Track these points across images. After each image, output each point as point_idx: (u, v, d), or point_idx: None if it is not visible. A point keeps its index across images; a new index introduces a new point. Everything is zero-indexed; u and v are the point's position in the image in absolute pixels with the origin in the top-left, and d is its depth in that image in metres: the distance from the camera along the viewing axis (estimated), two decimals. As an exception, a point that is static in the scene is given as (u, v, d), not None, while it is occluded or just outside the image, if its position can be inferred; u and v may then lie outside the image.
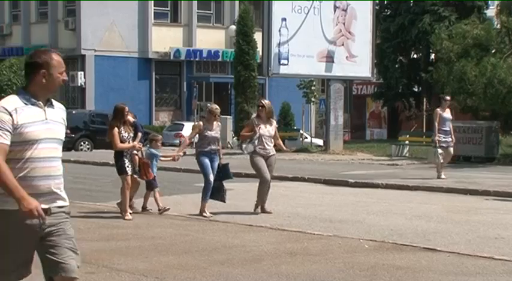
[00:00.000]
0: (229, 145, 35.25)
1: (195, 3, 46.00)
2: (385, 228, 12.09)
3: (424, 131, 34.90)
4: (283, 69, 30.05)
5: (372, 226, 12.27)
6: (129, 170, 13.11)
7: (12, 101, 5.01)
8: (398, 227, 12.20)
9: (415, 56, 45.56)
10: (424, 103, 39.01)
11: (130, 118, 13.63)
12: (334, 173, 21.57)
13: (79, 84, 43.62)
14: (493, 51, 29.09)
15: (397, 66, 44.23)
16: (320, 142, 36.01)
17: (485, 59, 27.24)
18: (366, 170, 22.76)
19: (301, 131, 35.22)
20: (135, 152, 13.44)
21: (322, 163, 25.97)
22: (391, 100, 44.20)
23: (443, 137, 19.60)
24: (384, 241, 10.64)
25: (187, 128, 39.51)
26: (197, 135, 13.86)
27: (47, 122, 5.06)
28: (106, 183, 19.73)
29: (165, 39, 44.99)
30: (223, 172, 13.65)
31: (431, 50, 39.72)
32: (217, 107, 14.02)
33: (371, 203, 15.62)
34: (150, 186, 13.80)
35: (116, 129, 13.02)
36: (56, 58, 5.18)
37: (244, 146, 13.84)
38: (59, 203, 5.12)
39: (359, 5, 31.51)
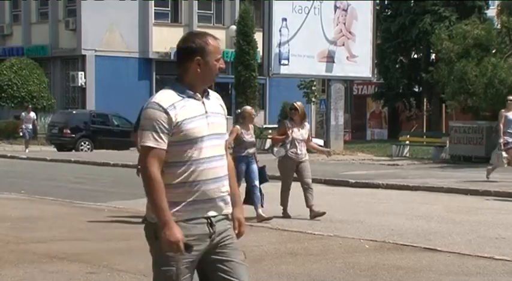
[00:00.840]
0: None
1: (195, 3, 45.99)
2: (386, 228, 12.09)
3: (425, 131, 34.92)
4: (283, 70, 30.05)
5: (372, 226, 12.27)
6: None
7: (168, 95, 4.34)
8: (399, 227, 12.19)
9: (415, 56, 45.55)
10: (425, 103, 39.05)
11: None
12: (335, 173, 21.56)
13: (79, 85, 43.63)
14: (493, 51, 29.09)
15: (397, 66, 44.23)
16: (320, 142, 35.95)
17: (486, 59, 27.24)
18: (367, 170, 22.76)
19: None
20: None
21: (323, 163, 25.94)
22: (391, 100, 44.19)
23: (509, 140, 18.04)
24: (384, 241, 10.64)
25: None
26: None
27: (208, 116, 4.38)
28: (106, 183, 19.73)
29: (166, 39, 44.94)
30: (260, 175, 13.29)
31: (431, 50, 39.70)
32: (252, 109, 13.68)
33: (371, 203, 15.62)
34: None
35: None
36: (213, 43, 4.48)
37: (275, 149, 13.47)
38: (227, 209, 4.49)
39: (359, 5, 31.51)
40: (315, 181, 20.65)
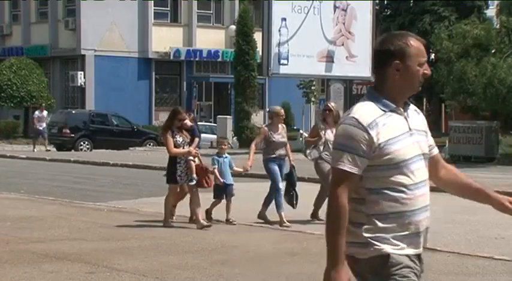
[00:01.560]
0: (229, 145, 35.22)
1: (195, 3, 45.98)
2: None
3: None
4: (283, 69, 30.03)
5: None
6: (180, 179, 11.98)
7: (368, 110, 3.67)
8: (398, 227, 12.18)
9: (415, 56, 45.53)
10: (424, 103, 39.04)
11: (187, 122, 12.60)
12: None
13: (79, 84, 43.62)
14: (493, 51, 29.08)
15: (397, 66, 44.21)
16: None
17: (485, 59, 27.24)
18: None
19: (301, 131, 35.17)
20: (190, 158, 12.06)
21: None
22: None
23: None
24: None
25: (187, 128, 39.53)
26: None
27: (412, 134, 3.72)
28: (106, 183, 19.73)
29: (165, 39, 44.97)
30: (288, 175, 13.02)
31: (431, 50, 39.67)
32: (282, 109, 13.26)
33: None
34: (223, 195, 12.67)
35: (170, 132, 11.99)
36: (415, 44, 3.91)
37: (308, 151, 12.99)
38: (424, 243, 3.99)
39: (359, 5, 31.50)
40: (314, 180, 20.69)
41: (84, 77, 43.61)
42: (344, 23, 31.14)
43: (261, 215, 12.68)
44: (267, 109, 13.20)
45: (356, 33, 31.28)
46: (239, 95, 36.52)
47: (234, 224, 12.16)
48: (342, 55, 31.04)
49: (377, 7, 38.88)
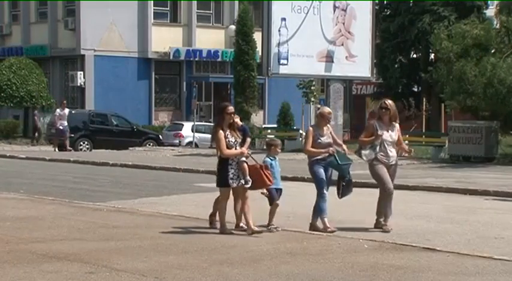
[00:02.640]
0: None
1: (194, 3, 45.99)
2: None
3: (424, 131, 34.91)
4: (282, 69, 30.02)
5: (371, 226, 12.27)
6: (232, 182, 11.22)
7: None
8: (398, 227, 12.19)
9: (414, 56, 45.52)
10: (424, 103, 39.00)
11: (238, 121, 11.81)
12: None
13: (79, 84, 43.62)
14: (492, 51, 29.07)
15: (396, 66, 44.20)
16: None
17: (485, 59, 27.23)
18: (365, 170, 22.66)
19: (300, 131, 35.17)
20: (243, 159, 11.28)
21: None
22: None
23: None
24: (383, 241, 10.64)
25: (186, 128, 39.55)
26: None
27: None
28: (105, 183, 19.72)
29: (165, 39, 44.97)
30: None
31: (430, 50, 39.71)
32: (330, 110, 12.31)
33: (370, 203, 15.59)
34: (270, 200, 11.90)
35: (222, 132, 11.14)
36: None
37: (363, 152, 12.30)
38: None
39: (359, 5, 31.49)
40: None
41: (84, 77, 43.61)
42: (344, 23, 31.13)
43: (313, 227, 11.89)
44: (317, 107, 12.18)
45: (356, 33, 31.28)
46: (239, 95, 36.53)
47: (276, 231, 11.48)
48: (342, 55, 31.04)
49: (377, 7, 38.85)
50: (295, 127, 36.50)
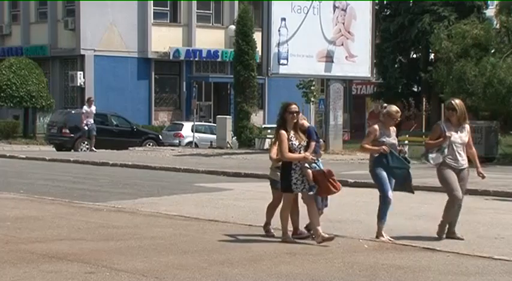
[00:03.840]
0: (228, 145, 35.24)
1: (194, 3, 46.00)
2: (385, 228, 12.08)
3: (424, 131, 34.91)
4: (282, 69, 30.01)
5: (371, 226, 12.25)
6: (295, 188, 10.39)
7: None
8: (397, 227, 12.19)
9: (414, 55, 45.57)
10: (424, 103, 39.02)
11: (305, 122, 10.96)
12: (334, 172, 21.50)
13: (78, 84, 43.63)
14: (492, 51, 29.09)
15: (396, 66, 44.24)
16: (320, 141, 35.99)
17: (485, 59, 27.24)
18: (366, 170, 22.65)
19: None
20: (306, 165, 10.45)
21: (322, 163, 25.92)
22: (390, 100, 43.98)
23: None
24: (383, 241, 10.64)
25: (186, 128, 39.55)
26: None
27: None
28: (105, 183, 19.72)
29: (165, 39, 44.99)
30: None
31: (430, 50, 39.73)
32: (398, 109, 11.31)
33: (371, 203, 15.59)
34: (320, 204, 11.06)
35: (285, 133, 10.37)
36: None
37: (430, 156, 11.40)
38: None
39: (358, 5, 31.48)
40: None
41: (84, 77, 43.63)
42: (344, 23, 31.12)
43: (379, 233, 11.14)
44: (384, 105, 10.70)
45: (356, 33, 31.26)
46: (239, 95, 36.50)
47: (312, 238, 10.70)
48: (342, 55, 31.03)
49: (377, 7, 38.87)
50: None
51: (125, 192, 17.45)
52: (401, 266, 9.00)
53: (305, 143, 10.48)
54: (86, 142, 34.66)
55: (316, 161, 10.69)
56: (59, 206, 14.31)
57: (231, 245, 10.28)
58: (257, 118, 40.79)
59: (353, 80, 41.83)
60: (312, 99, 37.77)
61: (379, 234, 11.08)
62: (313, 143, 10.75)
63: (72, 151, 33.43)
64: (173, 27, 46.02)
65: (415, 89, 44.71)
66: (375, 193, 17.63)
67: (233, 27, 40.91)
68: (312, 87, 36.66)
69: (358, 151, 11.50)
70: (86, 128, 31.99)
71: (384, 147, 10.97)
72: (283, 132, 10.35)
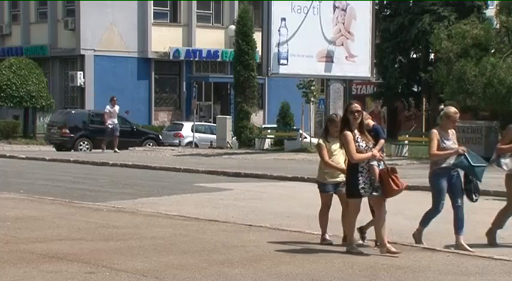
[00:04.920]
0: (228, 145, 35.24)
1: (194, 3, 46.00)
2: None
3: (424, 130, 34.91)
4: (282, 69, 30.02)
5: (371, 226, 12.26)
6: (364, 192, 9.70)
7: None
8: (397, 227, 12.19)
9: (414, 55, 45.57)
10: (424, 103, 39.03)
11: (369, 121, 10.43)
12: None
13: (78, 84, 43.64)
14: (492, 51, 29.09)
15: (396, 66, 44.24)
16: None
17: (485, 58, 27.24)
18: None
19: (300, 131, 35.16)
20: (374, 163, 9.80)
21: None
22: (390, 100, 44.20)
23: None
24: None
25: (186, 128, 39.54)
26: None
27: None
28: (105, 183, 19.71)
29: (165, 39, 44.99)
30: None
31: (430, 50, 39.74)
32: (456, 110, 10.74)
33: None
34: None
35: (350, 133, 9.66)
36: None
37: (502, 161, 10.99)
38: None
39: (358, 5, 31.48)
40: (313, 180, 20.66)
41: (84, 77, 43.63)
42: (344, 23, 31.13)
43: (417, 237, 10.78)
44: (441, 107, 9.58)
45: (356, 33, 31.27)
46: (239, 95, 36.51)
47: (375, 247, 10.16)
48: (342, 55, 31.03)
49: (377, 7, 38.87)
50: (295, 127, 36.48)
51: (125, 192, 17.45)
52: (401, 266, 9.00)
53: (372, 145, 9.81)
54: (86, 142, 34.69)
55: (378, 163, 9.97)
56: (59, 206, 14.31)
57: (231, 245, 10.27)
58: (257, 118, 40.81)
59: (353, 80, 41.77)
60: (312, 99, 37.72)
61: (418, 240, 10.71)
62: (382, 140, 10.24)
63: (72, 151, 33.45)
64: (173, 27, 46.03)
65: (415, 89, 44.71)
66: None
67: (233, 27, 40.91)
68: (312, 87, 36.64)
69: (431, 158, 10.87)
70: (110, 127, 30.84)
71: (462, 148, 10.61)
72: (348, 132, 9.64)
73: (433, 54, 40.42)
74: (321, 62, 30.72)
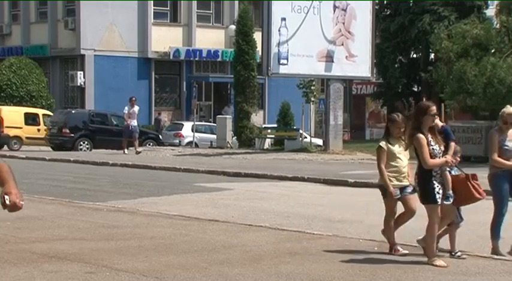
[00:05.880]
0: (228, 145, 35.24)
1: (194, 3, 46.00)
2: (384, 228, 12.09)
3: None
4: (282, 69, 30.04)
5: (371, 226, 12.26)
6: (439, 198, 9.05)
7: None
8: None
9: (414, 55, 45.56)
10: (424, 103, 39.01)
11: (437, 121, 9.72)
12: (334, 172, 21.57)
13: (78, 84, 43.64)
14: (492, 51, 29.09)
15: (396, 66, 44.24)
16: (320, 141, 36.01)
17: (485, 58, 27.24)
18: (366, 170, 22.73)
19: (300, 131, 35.16)
20: (447, 169, 9.20)
21: (322, 163, 25.95)
22: (390, 100, 44.17)
23: None
24: (383, 241, 10.63)
25: (186, 128, 39.55)
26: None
27: None
28: (105, 182, 19.72)
29: (165, 39, 44.99)
30: None
31: (430, 50, 39.72)
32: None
33: (370, 203, 15.61)
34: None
35: (423, 137, 9.02)
36: None
37: None
38: None
39: (359, 5, 31.50)
40: (313, 180, 20.73)
41: (84, 77, 43.64)
42: (344, 23, 31.14)
43: (495, 250, 9.95)
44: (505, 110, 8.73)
45: (356, 33, 31.28)
46: (239, 94, 36.53)
47: (463, 258, 9.52)
48: (342, 55, 31.05)
49: (377, 7, 38.86)
50: (295, 127, 36.50)
51: (125, 192, 17.46)
52: (401, 266, 9.00)
53: (443, 147, 9.26)
54: (86, 142, 34.69)
55: (450, 169, 9.36)
56: (59, 206, 14.31)
57: (231, 245, 10.27)
58: (257, 118, 40.82)
59: (353, 79, 41.82)
60: (312, 99, 37.72)
61: (495, 252, 9.94)
62: (452, 144, 9.64)
63: (73, 150, 33.44)
64: (173, 27, 46.03)
65: (415, 89, 44.70)
66: (375, 193, 17.61)
67: (233, 27, 40.92)
68: (312, 87, 36.64)
69: (494, 165, 9.85)
70: (130, 128, 29.99)
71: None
72: (421, 136, 9.01)
73: (433, 54, 40.42)
74: (321, 61, 30.73)
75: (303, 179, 20.41)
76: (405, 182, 9.72)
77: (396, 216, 9.91)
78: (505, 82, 26.20)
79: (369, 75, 32.97)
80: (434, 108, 9.16)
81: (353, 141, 40.86)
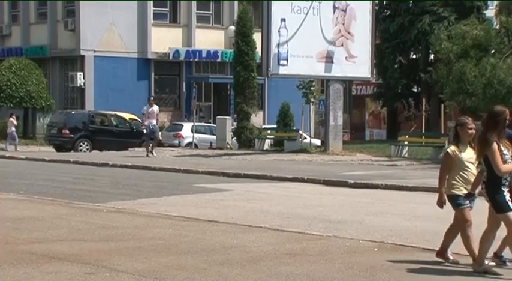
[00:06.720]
0: (228, 146, 35.23)
1: (194, 3, 45.99)
2: (385, 228, 12.09)
3: (424, 131, 34.90)
4: (282, 70, 30.02)
5: (371, 227, 12.27)
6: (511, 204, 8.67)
7: None
8: (397, 227, 12.19)
9: (414, 56, 45.56)
10: (424, 104, 39.00)
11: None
12: (334, 173, 21.56)
13: (78, 85, 43.63)
14: (492, 51, 29.10)
15: (396, 66, 44.24)
16: (319, 142, 36.01)
17: (485, 59, 27.24)
18: (365, 171, 22.75)
19: (300, 132, 35.14)
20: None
21: (322, 164, 25.94)
22: (390, 100, 44.19)
23: None
24: (383, 242, 10.63)
25: (186, 129, 39.52)
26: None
27: None
28: (105, 183, 19.71)
29: (165, 40, 44.98)
30: None
31: (430, 51, 39.73)
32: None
33: (370, 203, 15.62)
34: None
35: (496, 145, 8.62)
36: None
37: None
38: None
39: (358, 6, 31.48)
40: (313, 181, 20.73)
41: (84, 78, 43.62)
42: (343, 24, 31.12)
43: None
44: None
45: (355, 34, 31.26)
46: (238, 95, 36.49)
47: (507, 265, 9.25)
48: (342, 56, 31.03)
49: (376, 7, 38.86)
50: (295, 128, 36.50)
51: (125, 193, 17.45)
52: (401, 266, 9.00)
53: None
54: (85, 143, 34.69)
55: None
56: (59, 206, 14.31)
57: (231, 245, 10.27)
58: (257, 119, 40.79)
59: (353, 80, 41.80)
60: (312, 99, 37.71)
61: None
62: None
63: (72, 151, 33.44)
64: (173, 28, 46.02)
65: (415, 90, 44.70)
66: (375, 193, 17.58)
67: (233, 27, 40.90)
68: (312, 88, 36.64)
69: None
70: (146, 129, 29.43)
71: None
72: (494, 145, 8.64)
73: (433, 55, 40.41)
74: (320, 62, 30.72)
75: (302, 180, 20.41)
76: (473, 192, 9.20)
77: (450, 226, 9.62)
78: (505, 83, 26.20)
79: (369, 76, 32.95)
80: (508, 112, 8.81)
81: (353, 142, 40.84)
